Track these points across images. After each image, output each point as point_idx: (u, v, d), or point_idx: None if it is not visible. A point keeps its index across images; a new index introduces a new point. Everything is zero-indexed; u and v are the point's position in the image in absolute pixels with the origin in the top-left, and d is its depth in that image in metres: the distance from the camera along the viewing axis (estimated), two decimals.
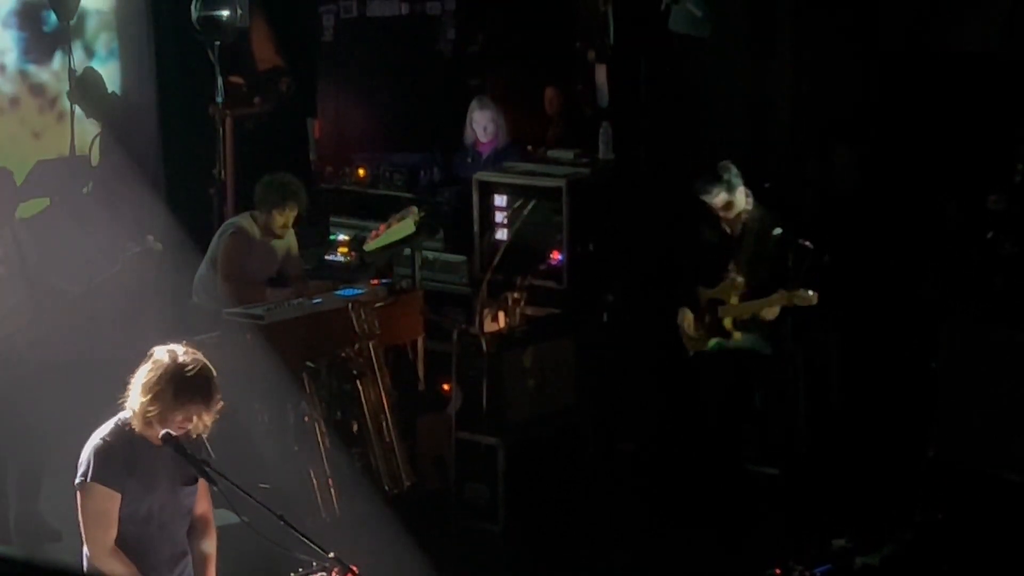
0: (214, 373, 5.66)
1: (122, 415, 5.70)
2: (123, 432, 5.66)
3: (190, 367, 5.59)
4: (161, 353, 5.64)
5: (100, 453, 5.64)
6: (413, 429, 9.16)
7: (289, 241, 9.42)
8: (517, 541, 8.66)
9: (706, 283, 8.87)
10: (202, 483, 5.79)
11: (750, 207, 8.80)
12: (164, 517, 5.75)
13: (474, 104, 10.98)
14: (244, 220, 9.32)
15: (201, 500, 5.88)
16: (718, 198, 8.71)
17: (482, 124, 10.84)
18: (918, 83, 9.59)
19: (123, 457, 5.64)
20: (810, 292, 8.45)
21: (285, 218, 9.21)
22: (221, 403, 5.66)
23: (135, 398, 5.61)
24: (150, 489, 5.68)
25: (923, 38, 9.60)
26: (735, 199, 8.73)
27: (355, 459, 8.79)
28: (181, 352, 5.63)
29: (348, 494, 8.68)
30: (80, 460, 5.68)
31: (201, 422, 5.62)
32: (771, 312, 8.59)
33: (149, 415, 5.57)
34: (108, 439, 5.66)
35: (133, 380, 5.64)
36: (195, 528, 5.90)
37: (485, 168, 10.38)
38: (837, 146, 9.93)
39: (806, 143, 9.80)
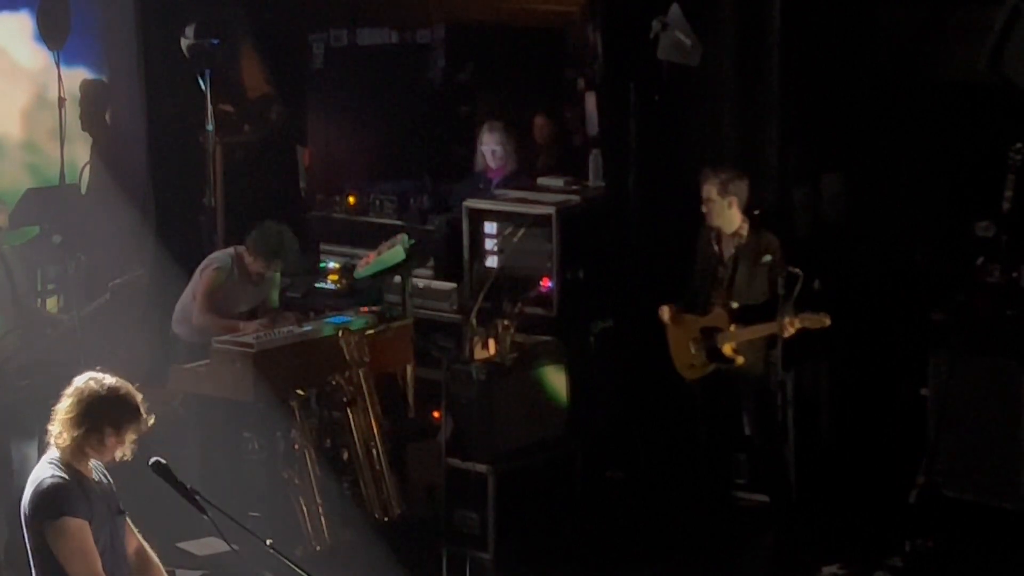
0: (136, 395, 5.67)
1: (51, 455, 5.67)
2: (63, 468, 5.63)
3: (120, 389, 5.62)
4: (83, 382, 5.65)
5: (58, 489, 5.59)
6: (403, 457, 9.16)
7: (271, 288, 9.43)
8: (507, 569, 8.64)
9: (690, 309, 8.92)
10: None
11: (745, 232, 8.84)
12: (116, 546, 5.75)
13: (484, 128, 10.99)
14: (227, 257, 9.34)
15: (131, 535, 5.86)
16: (707, 186, 8.78)
17: (490, 148, 10.81)
18: (907, 112, 9.62)
19: (75, 489, 5.62)
20: (823, 315, 8.48)
21: (267, 270, 9.25)
22: (152, 421, 5.67)
23: (65, 433, 5.59)
24: (98, 518, 5.66)
25: (912, 67, 9.64)
26: (719, 204, 8.76)
27: (345, 487, 8.78)
28: (103, 377, 5.66)
29: (338, 522, 8.67)
30: (32, 506, 5.62)
31: (130, 444, 5.63)
32: (783, 332, 8.59)
33: (86, 445, 5.58)
34: (58, 475, 5.62)
35: (56, 416, 5.62)
36: (138, 564, 5.86)
37: None
38: (826, 174, 9.96)
39: (795, 171, 9.83)
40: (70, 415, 5.59)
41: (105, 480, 5.76)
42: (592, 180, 10.29)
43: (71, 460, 5.62)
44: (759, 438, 9.03)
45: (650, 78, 9.74)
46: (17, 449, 8.56)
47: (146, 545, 5.91)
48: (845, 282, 9.45)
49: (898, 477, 9.03)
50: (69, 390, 5.64)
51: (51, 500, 5.59)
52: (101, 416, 5.57)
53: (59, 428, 5.61)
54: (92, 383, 5.62)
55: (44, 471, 5.65)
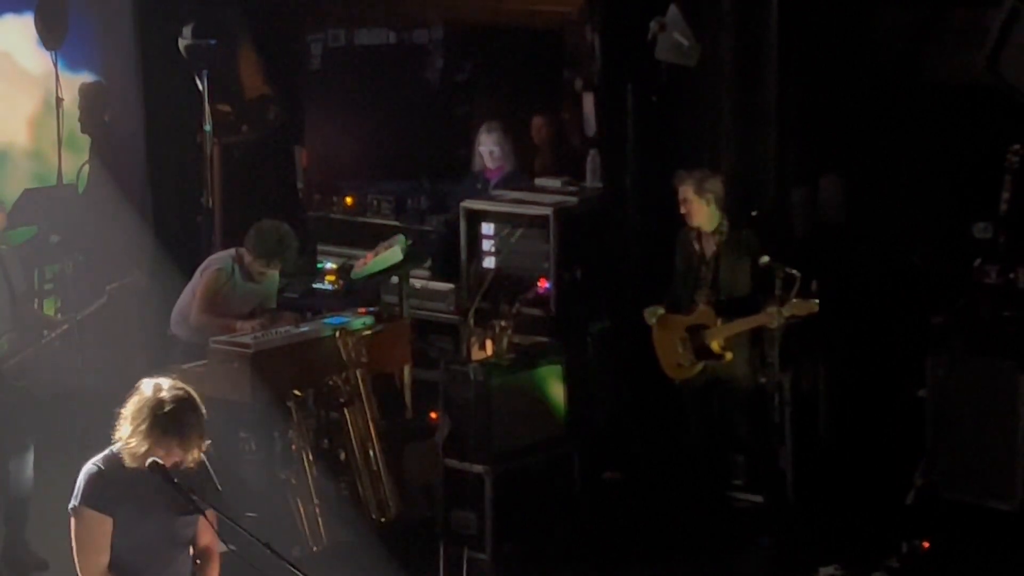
0: (195, 410, 5.55)
1: (116, 444, 5.68)
2: (116, 460, 5.61)
3: (168, 404, 5.50)
4: (146, 386, 5.59)
5: (92, 478, 5.61)
6: (400, 457, 9.14)
7: (270, 288, 9.42)
8: (505, 569, 8.64)
9: (674, 310, 8.94)
10: (209, 514, 5.70)
11: (724, 231, 8.86)
12: (159, 546, 5.69)
13: (482, 129, 10.99)
14: (228, 259, 9.32)
15: (204, 532, 5.80)
16: (683, 188, 8.83)
17: (488, 148, 10.82)
18: (905, 113, 9.63)
19: (115, 483, 5.59)
20: (811, 300, 8.49)
21: (267, 269, 9.23)
22: (203, 439, 5.58)
23: (122, 430, 5.59)
24: (144, 517, 5.63)
25: (910, 69, 9.65)
26: (697, 203, 8.79)
27: (342, 487, 8.77)
28: (165, 387, 5.56)
29: (335, 522, 8.66)
30: (75, 486, 5.66)
31: (188, 456, 5.57)
32: (772, 322, 8.60)
33: (130, 447, 5.55)
34: (101, 466, 5.63)
35: (123, 411, 5.61)
36: (197, 560, 5.84)
37: None
38: (824, 175, 9.96)
39: (794, 172, 9.83)
40: (124, 412, 5.56)
41: (185, 475, 5.61)
42: (590, 181, 10.30)
43: (125, 456, 5.57)
44: (753, 440, 9.04)
45: (648, 79, 9.75)
46: (14, 450, 8.54)
47: (214, 546, 5.85)
48: (844, 283, 9.46)
49: (896, 478, 9.04)
50: (135, 390, 5.60)
51: (80, 486, 5.60)
52: (142, 425, 5.49)
53: (120, 422, 5.60)
54: (148, 390, 5.54)
55: (97, 457, 5.66)
